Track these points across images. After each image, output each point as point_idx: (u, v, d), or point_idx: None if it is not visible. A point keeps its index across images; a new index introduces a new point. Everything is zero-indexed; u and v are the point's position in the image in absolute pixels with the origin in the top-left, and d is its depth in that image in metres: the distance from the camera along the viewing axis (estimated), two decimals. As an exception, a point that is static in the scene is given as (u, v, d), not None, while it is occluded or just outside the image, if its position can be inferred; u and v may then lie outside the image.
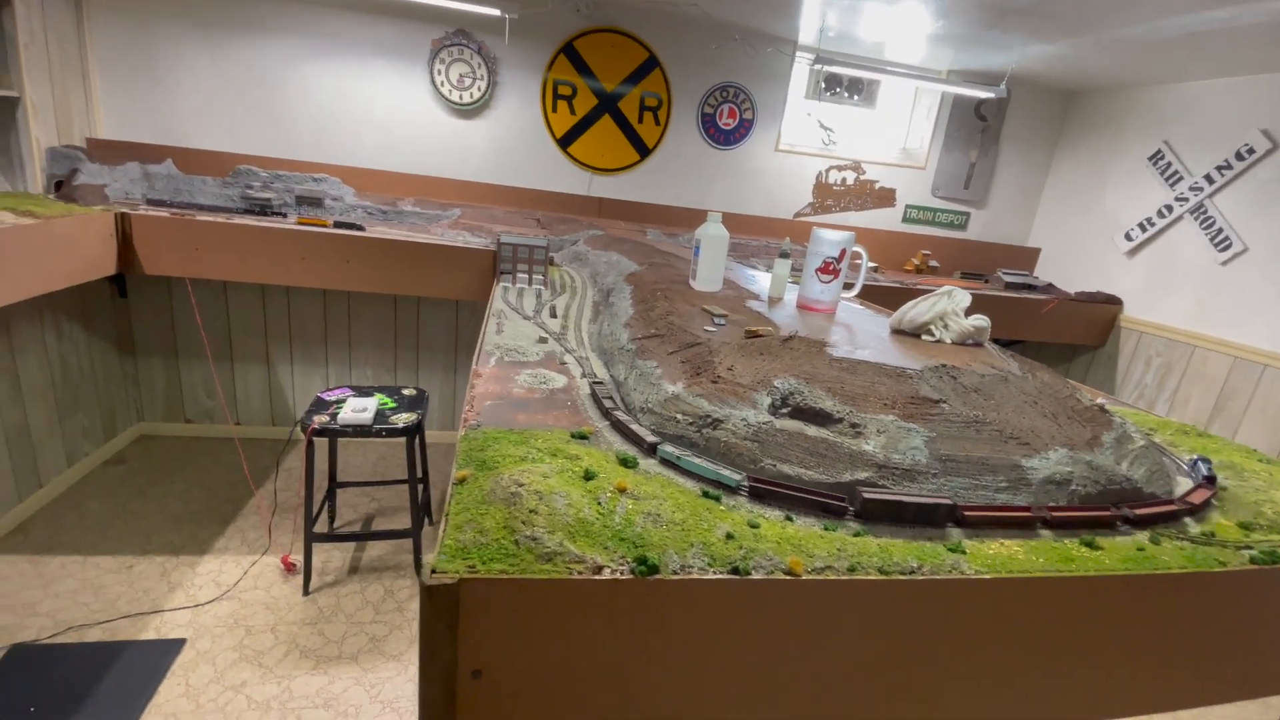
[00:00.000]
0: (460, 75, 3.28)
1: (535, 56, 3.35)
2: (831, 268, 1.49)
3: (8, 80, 2.42)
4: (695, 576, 0.67)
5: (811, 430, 0.88)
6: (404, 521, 3.04)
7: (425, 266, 2.77)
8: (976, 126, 3.90)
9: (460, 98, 3.31)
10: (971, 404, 1.00)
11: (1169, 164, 3.37)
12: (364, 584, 2.65)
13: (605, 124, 3.52)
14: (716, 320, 1.34)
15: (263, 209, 2.91)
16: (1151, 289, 3.48)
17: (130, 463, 3.30)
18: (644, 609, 0.66)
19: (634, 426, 0.96)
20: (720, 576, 0.67)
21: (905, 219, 4.01)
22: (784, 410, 0.91)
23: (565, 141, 3.51)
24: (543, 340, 1.45)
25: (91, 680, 2.01)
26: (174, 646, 2.21)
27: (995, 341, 1.40)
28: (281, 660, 2.22)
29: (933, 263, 3.92)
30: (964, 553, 0.78)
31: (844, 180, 3.86)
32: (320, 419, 2.38)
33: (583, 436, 0.92)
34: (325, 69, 3.20)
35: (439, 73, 3.26)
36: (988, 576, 0.74)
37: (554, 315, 1.72)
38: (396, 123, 3.33)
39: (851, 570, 0.71)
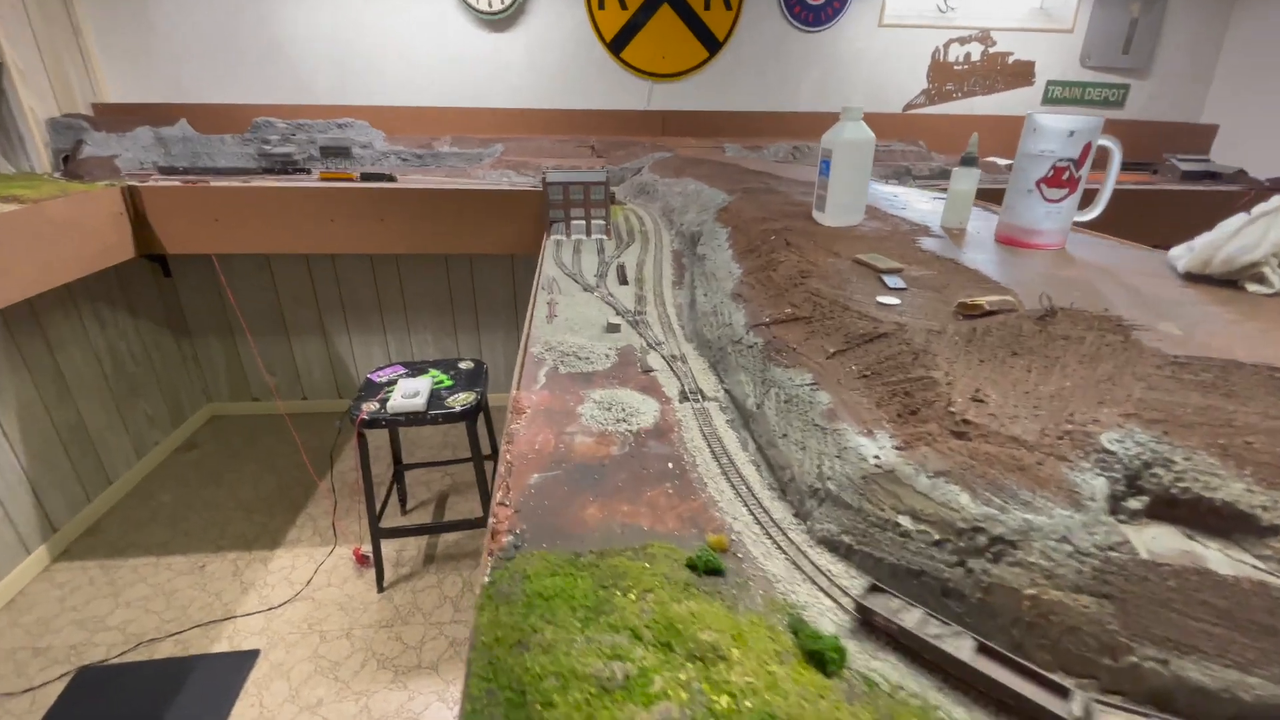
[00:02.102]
0: (487, -24, 2.72)
1: (574, -59, 2.73)
2: (1068, 176, 0.92)
3: (-24, 42, 2.10)
4: None
5: (1215, 555, 0.40)
6: (478, 499, 2.78)
7: (468, 217, 2.35)
8: (1145, -35, 2.98)
9: (490, 4, 2.76)
10: None
11: None
12: (441, 575, 2.42)
13: (664, 16, 2.88)
14: (889, 281, 0.83)
15: (284, 166, 2.55)
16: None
17: (202, 447, 3.20)
18: None
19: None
20: None
21: (1046, 98, 3.19)
22: (1135, 503, 0.43)
23: (617, 45, 2.92)
24: (613, 328, 1.00)
25: (162, 705, 1.87)
26: (247, 660, 2.05)
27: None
28: (358, 673, 2.02)
29: (1085, 152, 3.11)
30: None
31: (967, 56, 3.08)
32: (369, 406, 2.09)
33: (713, 571, 0.46)
34: (333, -11, 2.72)
35: (462, -24, 2.71)
36: None
37: (624, 280, 1.26)
38: (422, 47, 2.83)
39: None
